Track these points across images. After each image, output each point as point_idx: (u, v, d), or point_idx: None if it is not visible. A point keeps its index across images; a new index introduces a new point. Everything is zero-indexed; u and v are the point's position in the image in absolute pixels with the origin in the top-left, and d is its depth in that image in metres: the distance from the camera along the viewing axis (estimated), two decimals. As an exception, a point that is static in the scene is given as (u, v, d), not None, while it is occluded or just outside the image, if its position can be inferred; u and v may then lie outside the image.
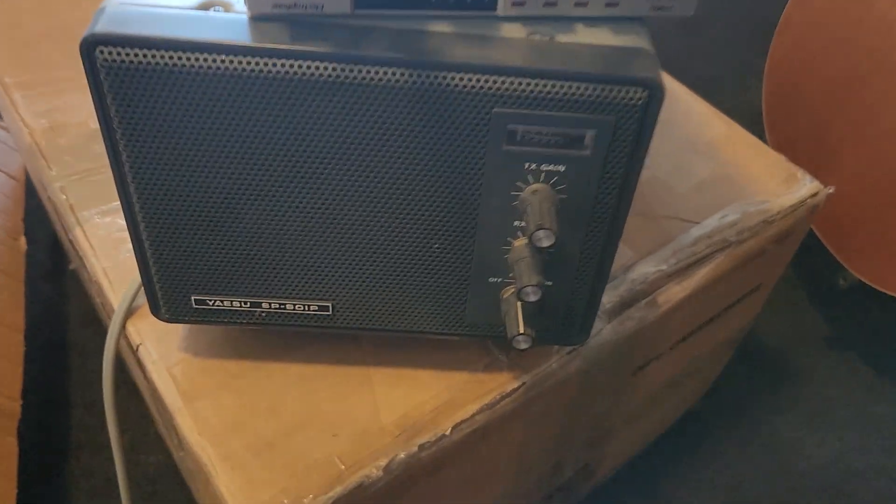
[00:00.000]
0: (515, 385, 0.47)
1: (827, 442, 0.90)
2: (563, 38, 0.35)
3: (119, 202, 0.55)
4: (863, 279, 0.93)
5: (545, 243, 0.36)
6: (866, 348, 1.01)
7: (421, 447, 0.44)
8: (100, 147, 0.59)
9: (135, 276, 0.49)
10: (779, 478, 0.87)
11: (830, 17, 0.97)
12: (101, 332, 0.93)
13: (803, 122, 1.01)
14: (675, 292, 0.54)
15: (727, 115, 0.68)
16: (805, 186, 0.62)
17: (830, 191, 0.62)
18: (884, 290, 0.90)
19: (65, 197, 0.55)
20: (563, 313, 0.43)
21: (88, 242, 0.53)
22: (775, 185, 0.62)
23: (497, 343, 0.49)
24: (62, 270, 0.99)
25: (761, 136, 0.67)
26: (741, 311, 0.69)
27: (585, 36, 0.35)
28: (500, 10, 0.35)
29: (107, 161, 0.60)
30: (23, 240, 0.81)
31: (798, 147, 1.00)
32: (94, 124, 0.61)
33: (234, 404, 0.45)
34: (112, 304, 0.49)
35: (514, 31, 0.35)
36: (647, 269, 0.54)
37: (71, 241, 0.56)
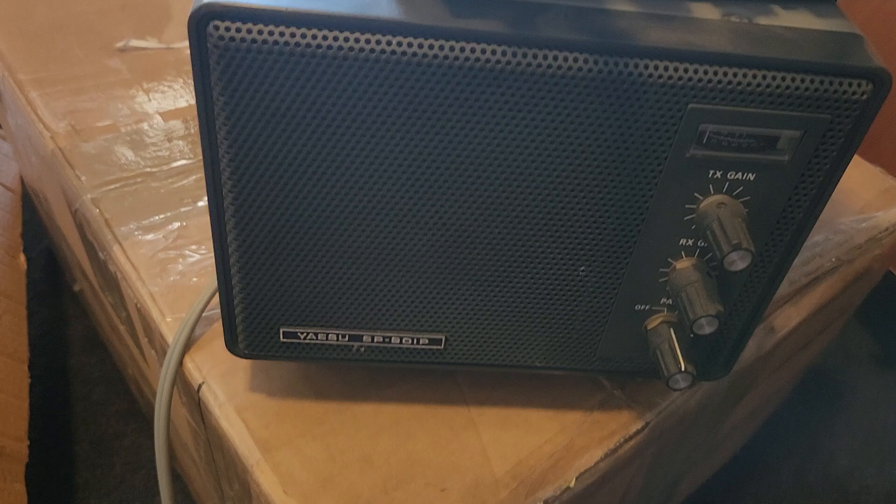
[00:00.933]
0: (639, 425, 0.41)
1: (886, 470, 0.85)
2: (762, 20, 0.29)
3: (162, 216, 0.49)
4: None
5: (739, 266, 0.30)
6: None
7: (546, 503, 0.38)
8: (132, 153, 0.52)
9: (195, 301, 0.42)
10: (839, 509, 0.82)
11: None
12: (107, 358, 0.85)
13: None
14: (789, 316, 0.49)
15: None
16: (907, 200, 0.57)
17: (934, 205, 0.57)
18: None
19: (98, 210, 0.48)
20: (711, 346, 0.37)
21: (130, 263, 0.45)
22: (872, 198, 0.57)
23: (610, 376, 0.43)
24: (59, 290, 0.90)
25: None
26: (828, 334, 0.64)
27: (786, 18, 0.29)
28: (691, -14, 0.29)
29: (143, 170, 0.53)
30: (22, 258, 0.73)
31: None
32: (124, 127, 0.53)
33: (320, 455, 0.38)
34: (164, 336, 0.42)
35: (705, 11, 0.29)
36: (760, 290, 0.49)
37: (104, 262, 0.49)
